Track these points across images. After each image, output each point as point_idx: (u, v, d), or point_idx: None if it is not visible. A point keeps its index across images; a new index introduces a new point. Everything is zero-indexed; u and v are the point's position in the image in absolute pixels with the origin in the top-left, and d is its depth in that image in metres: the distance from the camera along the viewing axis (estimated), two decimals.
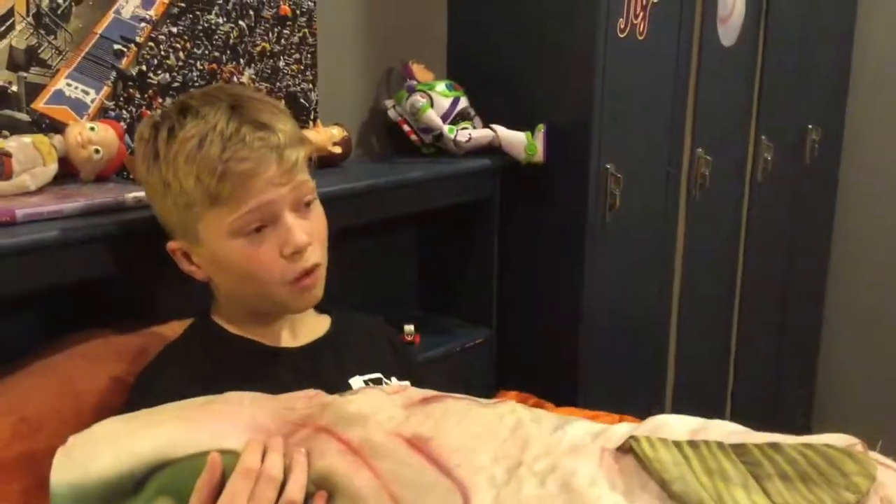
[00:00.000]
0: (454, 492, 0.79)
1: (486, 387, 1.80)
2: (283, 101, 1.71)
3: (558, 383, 1.80)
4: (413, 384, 1.08)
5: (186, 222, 1.01)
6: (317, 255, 1.03)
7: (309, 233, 1.01)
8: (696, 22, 1.98)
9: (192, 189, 0.97)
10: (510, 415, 0.90)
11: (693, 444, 0.82)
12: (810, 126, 2.49)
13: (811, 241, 2.69)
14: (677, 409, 2.19)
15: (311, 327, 1.15)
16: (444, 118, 1.77)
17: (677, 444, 0.82)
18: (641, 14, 1.80)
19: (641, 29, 1.81)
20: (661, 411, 2.13)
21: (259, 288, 1.02)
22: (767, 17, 2.21)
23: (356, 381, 1.09)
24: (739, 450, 0.81)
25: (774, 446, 0.81)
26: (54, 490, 0.84)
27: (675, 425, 0.87)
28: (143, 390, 1.04)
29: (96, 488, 0.84)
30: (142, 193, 1.16)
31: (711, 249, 2.24)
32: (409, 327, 1.77)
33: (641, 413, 1.72)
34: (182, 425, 0.87)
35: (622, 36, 1.76)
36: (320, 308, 1.16)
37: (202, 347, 1.09)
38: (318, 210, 1.05)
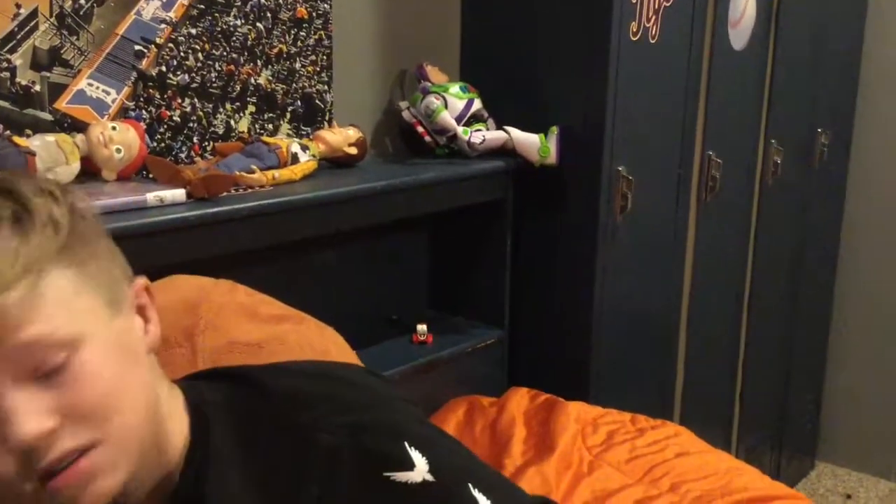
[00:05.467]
0: None
1: (497, 386, 1.81)
2: (298, 103, 1.73)
3: (569, 383, 1.81)
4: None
5: None
6: (79, 435, 0.63)
7: (54, 410, 0.62)
8: (707, 25, 2.00)
9: None
10: None
11: None
12: (819, 130, 2.51)
13: (820, 245, 2.70)
14: (686, 410, 2.20)
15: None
16: (459, 120, 1.79)
17: None
18: (654, 18, 1.82)
19: (654, 32, 1.83)
20: (670, 412, 2.15)
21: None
22: (777, 21, 2.23)
23: None
24: None
25: None
26: None
27: None
28: None
29: None
30: (164, 193, 1.17)
31: (721, 252, 2.26)
32: (422, 327, 1.79)
33: (651, 412, 1.75)
34: None
35: (635, 39, 1.78)
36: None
37: None
38: (84, 367, 0.63)
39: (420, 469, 0.67)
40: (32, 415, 0.61)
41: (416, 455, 0.67)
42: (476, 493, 0.67)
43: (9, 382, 0.61)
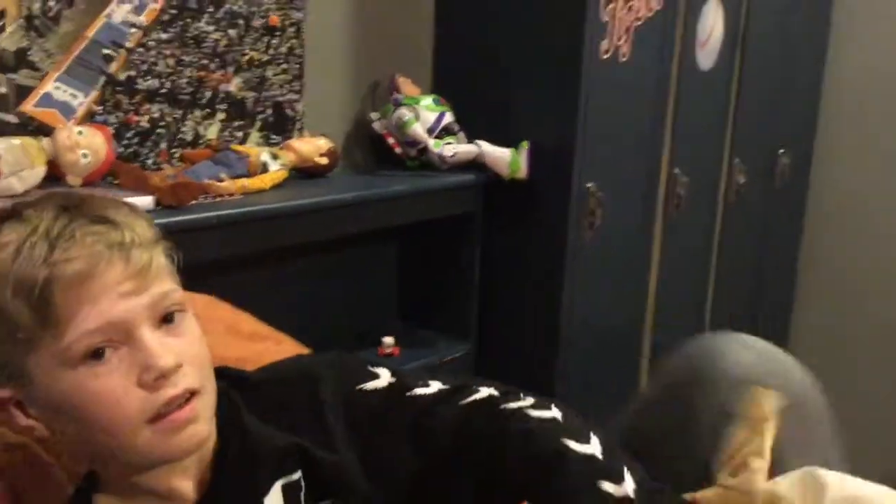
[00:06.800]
0: None
1: None
2: (269, 111, 1.72)
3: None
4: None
5: (12, 358, 0.74)
6: (190, 378, 0.75)
7: (178, 354, 0.74)
8: (676, 46, 2.03)
9: (9, 308, 0.72)
10: None
11: None
12: (781, 150, 2.55)
13: (779, 263, 2.74)
14: None
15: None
16: (430, 132, 1.79)
17: None
18: (624, 37, 1.84)
19: (624, 51, 1.85)
20: None
21: (109, 439, 0.74)
22: (744, 43, 2.27)
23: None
24: None
25: None
26: None
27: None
28: None
29: None
30: (130, 199, 1.15)
31: (685, 267, 2.28)
32: (389, 339, 1.78)
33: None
34: None
35: (605, 58, 1.80)
36: None
37: None
38: (190, 326, 0.78)
39: (384, 377, 0.86)
40: (167, 351, 0.74)
41: (379, 370, 0.87)
42: (430, 381, 0.86)
43: (148, 324, 0.74)
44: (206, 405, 0.77)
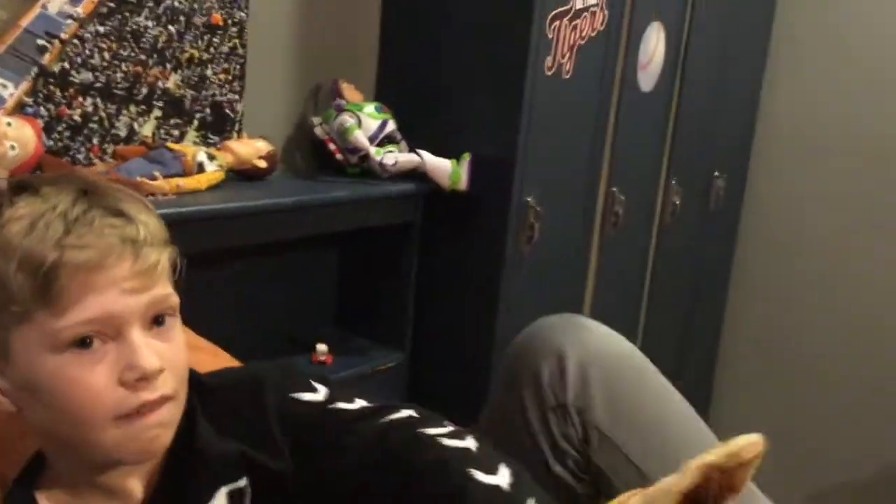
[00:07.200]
0: None
1: None
2: (207, 111, 1.69)
3: (467, 410, 1.81)
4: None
5: None
6: (169, 385, 0.76)
7: (163, 358, 0.75)
8: (618, 66, 2.06)
9: (11, 280, 0.71)
10: None
11: None
12: (717, 173, 2.61)
13: (711, 284, 2.80)
14: None
15: None
16: (372, 140, 1.78)
17: None
18: (568, 54, 1.86)
19: (568, 68, 1.87)
20: None
21: (76, 430, 0.73)
22: (684, 66, 2.31)
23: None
24: None
25: None
26: None
27: None
28: None
29: None
30: None
31: (619, 285, 2.31)
32: (323, 347, 1.76)
33: None
34: None
35: (549, 74, 1.81)
36: None
37: None
38: (178, 334, 0.79)
39: (321, 392, 0.86)
40: (153, 353, 0.74)
41: (319, 385, 0.87)
42: (356, 399, 0.86)
43: (139, 324, 0.74)
44: (175, 413, 0.78)
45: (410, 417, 0.82)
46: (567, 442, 1.03)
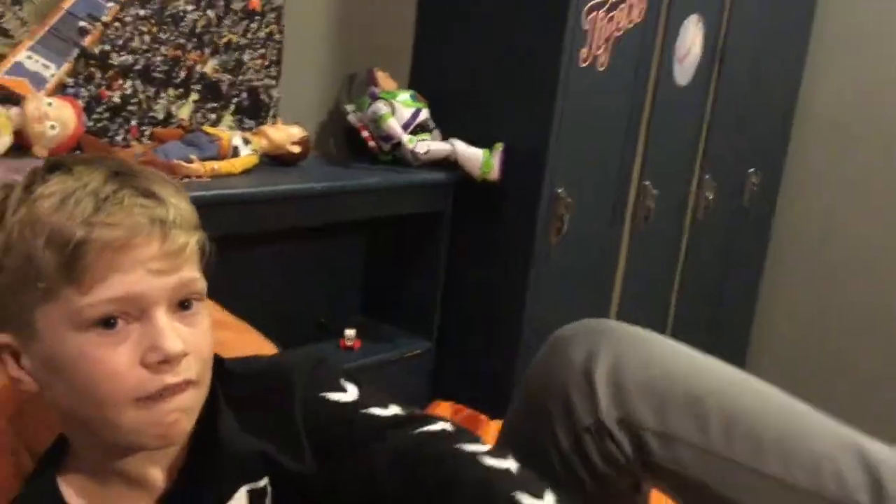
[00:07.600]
0: None
1: (421, 397, 1.81)
2: (244, 95, 1.71)
3: (493, 399, 1.82)
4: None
5: (22, 306, 0.73)
6: (193, 370, 0.75)
7: (187, 342, 0.74)
8: (654, 59, 2.04)
9: (38, 256, 0.71)
10: None
11: None
12: (751, 170, 2.59)
13: (742, 282, 2.78)
14: None
15: None
16: (405, 128, 1.79)
17: None
18: (604, 46, 1.85)
19: (603, 61, 1.86)
20: None
21: (96, 410, 0.73)
22: (722, 60, 2.29)
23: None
24: None
25: None
26: None
27: None
28: None
29: None
30: None
31: (648, 280, 2.30)
32: (351, 332, 1.78)
33: None
34: None
35: (584, 65, 1.81)
36: None
37: None
38: (204, 319, 0.78)
39: (352, 392, 0.83)
40: (177, 336, 0.73)
41: (349, 385, 0.84)
42: (390, 404, 0.83)
43: (165, 306, 0.73)
44: (197, 399, 0.77)
45: (444, 431, 0.80)
46: (608, 463, 0.92)
